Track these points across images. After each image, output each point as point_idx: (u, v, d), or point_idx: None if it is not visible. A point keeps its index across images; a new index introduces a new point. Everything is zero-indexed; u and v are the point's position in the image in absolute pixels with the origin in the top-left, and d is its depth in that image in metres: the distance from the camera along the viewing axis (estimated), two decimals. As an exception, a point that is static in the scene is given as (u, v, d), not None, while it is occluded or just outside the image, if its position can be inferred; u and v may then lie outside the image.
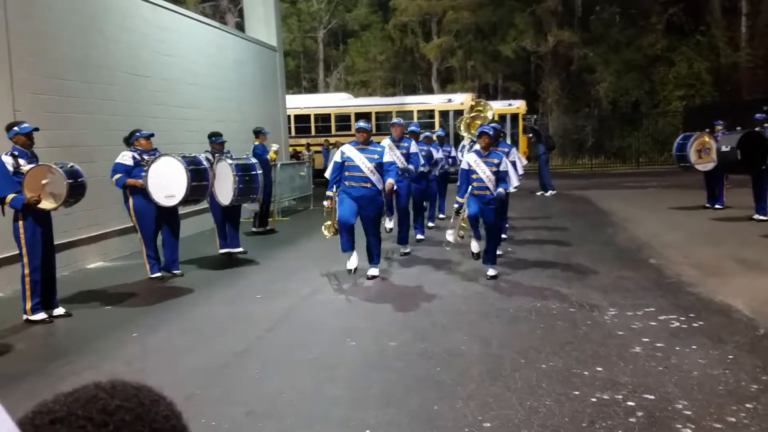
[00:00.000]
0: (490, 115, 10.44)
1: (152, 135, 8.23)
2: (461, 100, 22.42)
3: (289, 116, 19.94)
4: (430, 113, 22.71)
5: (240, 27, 23.31)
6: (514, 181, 8.64)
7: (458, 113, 19.17)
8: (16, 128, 6.20)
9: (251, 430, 3.92)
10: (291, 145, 20.11)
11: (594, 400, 4.14)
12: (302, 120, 23.36)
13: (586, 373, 4.61)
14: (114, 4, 10.28)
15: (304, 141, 22.60)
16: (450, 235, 8.03)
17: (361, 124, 7.65)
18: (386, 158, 7.46)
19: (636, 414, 3.93)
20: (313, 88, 39.26)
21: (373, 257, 7.83)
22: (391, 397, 4.33)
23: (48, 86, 8.57)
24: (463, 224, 7.94)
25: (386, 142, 8.62)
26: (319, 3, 38.76)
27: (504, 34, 33.33)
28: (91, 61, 9.51)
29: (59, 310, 6.46)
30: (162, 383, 0.78)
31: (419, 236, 10.35)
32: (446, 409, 4.09)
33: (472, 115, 10.53)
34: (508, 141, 20.03)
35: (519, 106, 23.13)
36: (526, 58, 34.01)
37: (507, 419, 3.91)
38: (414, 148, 9.19)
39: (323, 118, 23.47)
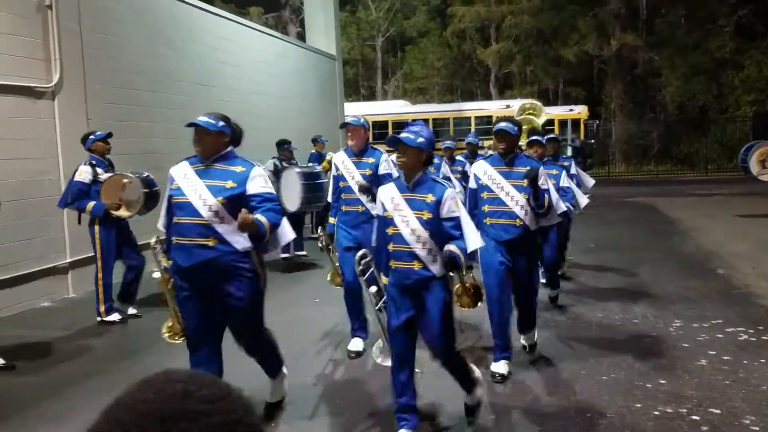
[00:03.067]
0: (542, 120, 9.43)
1: None
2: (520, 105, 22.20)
3: (347, 124, 20.14)
4: (488, 119, 22.55)
5: (301, 37, 23.75)
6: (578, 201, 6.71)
7: (517, 119, 18.92)
8: (92, 136, 6.56)
9: (310, 432, 3.99)
10: None
11: (657, 413, 4.05)
12: (360, 127, 23.58)
13: (649, 385, 4.51)
14: (182, 16, 10.67)
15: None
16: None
17: (201, 119, 3.88)
18: (255, 189, 3.83)
19: (701, 428, 3.82)
20: (371, 96, 39.58)
21: (272, 372, 4.29)
22: (446, 404, 4.34)
23: (119, 96, 8.95)
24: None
25: (338, 155, 5.63)
26: (378, 11, 39.08)
27: (565, 38, 32.82)
28: (159, 72, 9.90)
29: (131, 310, 6.74)
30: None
31: None
32: (503, 419, 4.07)
33: (520, 117, 9.51)
34: (568, 150, 19.52)
35: (581, 111, 22.72)
36: (589, 62, 33.41)
37: (566, 431, 3.87)
38: (386, 165, 5.42)
39: (381, 126, 23.63)
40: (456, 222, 3.69)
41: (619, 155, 29.66)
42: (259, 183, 3.86)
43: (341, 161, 5.50)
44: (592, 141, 22.47)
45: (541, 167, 4.67)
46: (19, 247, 7.29)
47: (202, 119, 3.87)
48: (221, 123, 3.89)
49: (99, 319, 6.52)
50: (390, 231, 3.79)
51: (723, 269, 8.20)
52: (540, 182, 4.59)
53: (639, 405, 4.18)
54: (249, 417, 0.76)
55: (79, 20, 8.25)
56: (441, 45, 38.89)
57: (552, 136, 7.33)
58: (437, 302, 3.69)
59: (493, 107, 23.57)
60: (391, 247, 3.79)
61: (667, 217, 13.41)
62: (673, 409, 4.09)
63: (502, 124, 4.64)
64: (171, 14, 10.38)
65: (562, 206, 5.36)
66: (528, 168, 4.63)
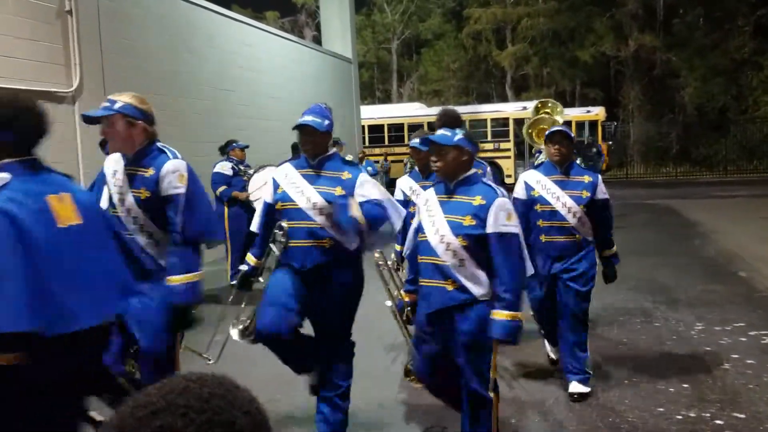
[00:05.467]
0: (559, 119, 7.96)
1: (247, 146, 8.60)
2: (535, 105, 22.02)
3: (363, 126, 20.19)
4: (504, 121, 22.46)
5: (317, 40, 23.86)
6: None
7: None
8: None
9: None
10: (382, 155, 20.51)
11: (680, 417, 4.00)
12: (376, 130, 23.60)
13: (671, 389, 4.46)
14: (202, 22, 10.76)
15: (377, 150, 22.83)
16: None
17: None
18: None
19: (725, 433, 3.78)
20: (386, 99, 39.59)
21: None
22: (468, 407, 4.32)
23: (138, 101, 9.03)
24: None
25: (109, 160, 3.41)
26: (393, 14, 39.14)
27: (582, 40, 32.67)
28: (179, 77, 9.98)
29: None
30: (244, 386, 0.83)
31: None
32: (524, 423, 4.04)
33: (536, 117, 8.19)
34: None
35: (598, 112, 22.51)
36: (606, 63, 33.20)
37: (587, 434, 3.84)
38: (172, 180, 3.22)
39: (396, 128, 23.63)
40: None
41: (637, 157, 29.45)
42: None
43: (111, 171, 3.34)
44: (611, 142, 22.28)
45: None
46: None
47: None
48: None
49: None
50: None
51: (745, 272, 8.09)
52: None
53: (662, 409, 4.13)
54: (247, 420, 0.76)
55: (98, 25, 8.34)
56: (456, 47, 38.84)
57: (557, 128, 4.41)
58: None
59: (510, 109, 23.46)
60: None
61: (687, 220, 13.27)
62: (696, 414, 4.04)
63: (306, 118, 3.51)
64: (190, 19, 10.47)
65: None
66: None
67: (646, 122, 30.45)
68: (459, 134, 3.19)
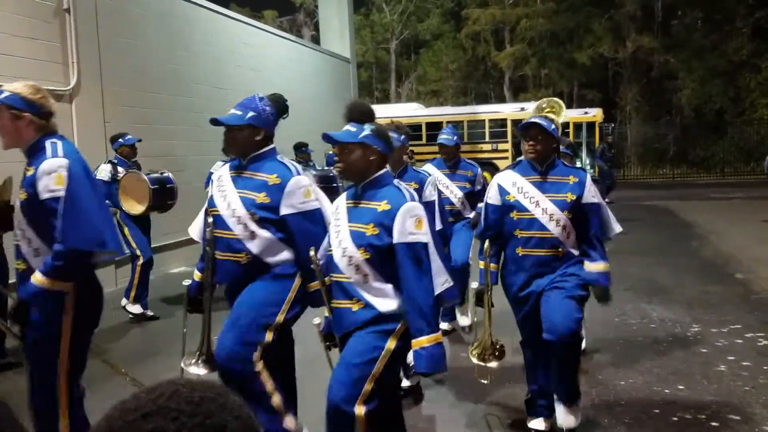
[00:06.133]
0: (559, 120, 8.39)
1: None
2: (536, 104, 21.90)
3: (361, 126, 20.18)
4: (502, 122, 22.43)
5: (315, 40, 23.85)
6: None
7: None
8: (120, 140, 6.77)
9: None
10: None
11: (675, 419, 4.01)
12: (374, 130, 23.61)
13: (667, 391, 4.47)
14: (200, 21, 10.75)
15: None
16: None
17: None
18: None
19: (721, 435, 3.78)
20: (385, 99, 39.57)
21: None
22: (466, 408, 4.32)
23: (137, 99, 9.02)
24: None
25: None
26: (392, 14, 39.14)
27: (580, 41, 32.70)
28: (177, 75, 9.98)
29: (147, 313, 6.81)
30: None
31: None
32: (518, 423, 4.04)
33: (535, 115, 8.68)
34: (583, 153, 19.25)
35: (595, 114, 22.48)
36: (604, 64, 33.22)
37: (583, 435, 3.83)
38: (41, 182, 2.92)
39: (395, 128, 23.62)
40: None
41: (634, 158, 29.47)
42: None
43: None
44: (608, 144, 22.30)
45: None
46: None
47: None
48: None
49: (124, 303, 6.73)
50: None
51: (742, 273, 8.10)
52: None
53: (657, 411, 4.14)
54: (238, 424, 0.76)
55: (96, 24, 8.34)
56: (455, 47, 38.83)
57: (533, 120, 3.54)
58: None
59: (508, 110, 23.43)
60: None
61: (684, 221, 13.29)
62: (691, 416, 4.05)
63: (229, 113, 3.29)
64: (188, 18, 10.46)
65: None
66: None
67: (644, 124, 30.47)
68: (366, 130, 2.85)
